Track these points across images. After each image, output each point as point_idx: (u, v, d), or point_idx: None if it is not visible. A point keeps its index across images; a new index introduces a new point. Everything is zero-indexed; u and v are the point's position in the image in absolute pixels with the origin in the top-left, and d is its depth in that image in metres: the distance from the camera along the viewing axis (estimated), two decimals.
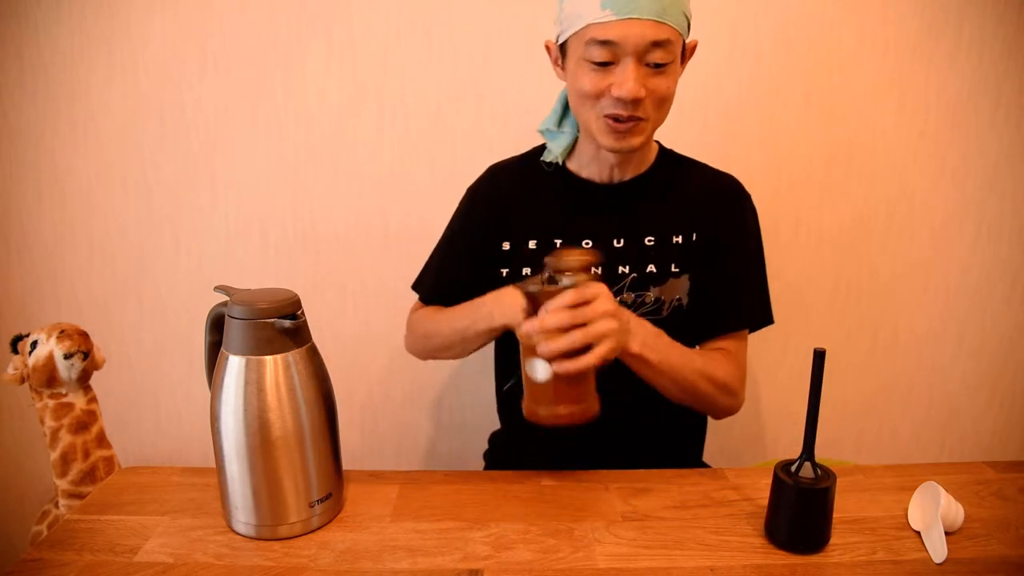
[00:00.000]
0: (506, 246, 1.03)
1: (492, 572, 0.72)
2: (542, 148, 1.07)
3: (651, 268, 0.98)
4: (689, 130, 1.40)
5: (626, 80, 0.85)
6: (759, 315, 1.01)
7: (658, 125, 0.94)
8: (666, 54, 0.86)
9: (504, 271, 1.03)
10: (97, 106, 1.41)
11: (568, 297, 0.74)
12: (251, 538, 0.78)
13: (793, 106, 1.40)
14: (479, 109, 1.40)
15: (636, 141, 0.91)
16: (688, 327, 0.98)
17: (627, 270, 0.98)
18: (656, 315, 0.98)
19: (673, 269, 0.98)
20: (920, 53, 1.37)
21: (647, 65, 0.86)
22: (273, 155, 1.43)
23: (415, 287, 1.12)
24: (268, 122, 1.42)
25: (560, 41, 0.92)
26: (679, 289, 0.98)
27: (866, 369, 1.54)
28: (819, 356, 0.70)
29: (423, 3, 1.35)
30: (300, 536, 0.78)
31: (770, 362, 1.54)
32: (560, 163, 1.03)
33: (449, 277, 1.08)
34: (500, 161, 1.11)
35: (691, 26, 0.92)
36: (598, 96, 0.89)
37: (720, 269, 0.99)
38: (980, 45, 1.37)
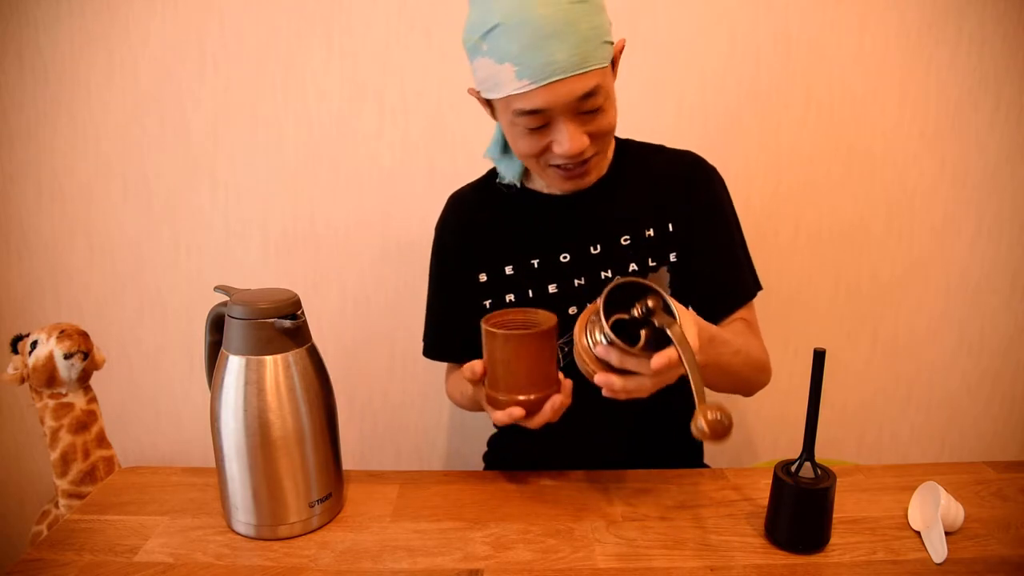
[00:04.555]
0: (483, 277, 1.00)
1: (492, 572, 0.72)
2: (495, 170, 1.05)
3: (632, 267, 0.96)
4: (689, 130, 1.40)
5: (565, 140, 0.82)
6: (755, 282, 1.01)
7: (608, 149, 0.91)
8: (598, 97, 0.81)
9: (487, 302, 1.00)
10: (97, 106, 1.41)
11: (659, 364, 0.66)
12: (251, 538, 0.78)
13: (793, 106, 1.40)
14: (479, 109, 1.39)
15: (590, 179, 0.90)
16: None
17: (609, 274, 0.96)
18: None
19: (650, 263, 0.96)
20: (920, 53, 1.37)
21: (582, 113, 0.82)
22: (273, 155, 1.43)
23: (425, 353, 1.10)
24: (268, 122, 1.42)
25: (482, 96, 0.88)
26: (659, 282, 0.97)
27: (866, 369, 1.54)
28: (819, 356, 0.70)
29: (423, 3, 1.35)
30: (300, 536, 0.78)
31: (771, 362, 1.54)
32: (516, 184, 1.01)
33: (448, 332, 1.07)
34: (458, 190, 1.08)
35: (612, 25, 0.84)
36: (539, 154, 0.86)
37: (712, 250, 0.98)
38: (980, 45, 1.37)
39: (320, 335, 0.83)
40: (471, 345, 1.03)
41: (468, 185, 1.09)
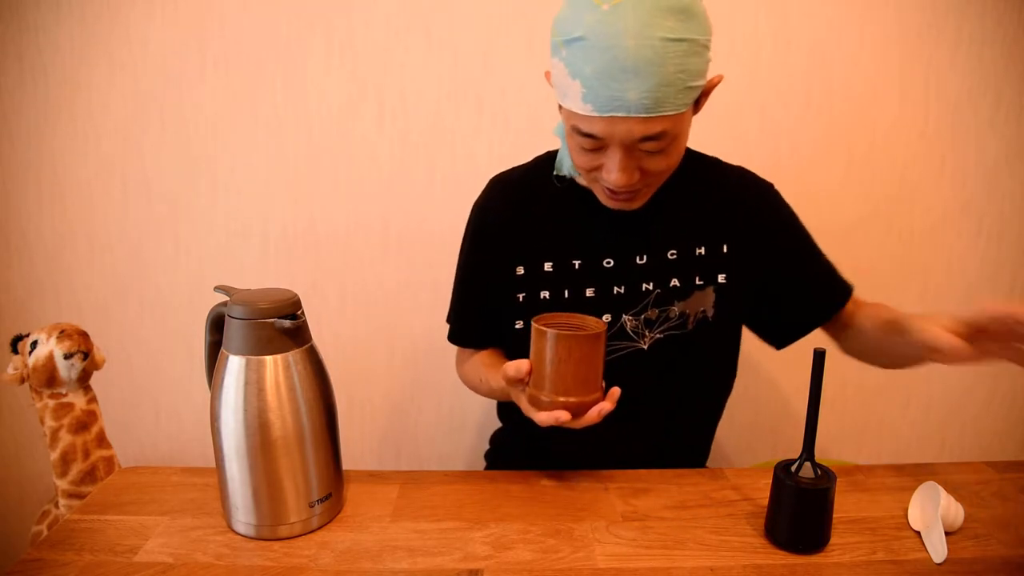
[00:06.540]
0: (520, 271, 0.96)
1: (492, 572, 0.72)
2: (546, 159, 0.99)
3: (675, 282, 0.93)
4: (689, 130, 1.39)
5: (613, 170, 0.79)
6: (846, 282, 0.98)
7: (665, 179, 0.87)
8: (661, 141, 0.78)
9: (520, 296, 0.96)
10: (97, 106, 1.41)
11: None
12: (251, 538, 0.78)
13: (793, 106, 1.40)
14: (479, 109, 1.40)
15: (637, 204, 0.87)
16: (717, 338, 0.96)
17: (651, 287, 0.93)
18: (681, 329, 0.94)
19: (697, 282, 0.93)
20: (920, 53, 1.37)
21: (640, 150, 0.79)
22: (273, 155, 1.43)
23: (451, 339, 1.07)
24: (268, 122, 1.42)
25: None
26: (704, 301, 0.94)
27: (866, 369, 1.54)
28: (819, 356, 0.70)
29: (423, 3, 1.35)
30: (300, 536, 0.78)
31: (770, 362, 1.54)
32: (573, 177, 0.95)
33: (474, 321, 1.04)
34: (502, 173, 1.02)
35: (711, 63, 0.80)
36: (590, 171, 0.84)
37: (802, 261, 0.97)
38: (980, 45, 1.37)
39: (320, 335, 0.83)
40: (498, 334, 1.01)
41: (513, 169, 1.02)
